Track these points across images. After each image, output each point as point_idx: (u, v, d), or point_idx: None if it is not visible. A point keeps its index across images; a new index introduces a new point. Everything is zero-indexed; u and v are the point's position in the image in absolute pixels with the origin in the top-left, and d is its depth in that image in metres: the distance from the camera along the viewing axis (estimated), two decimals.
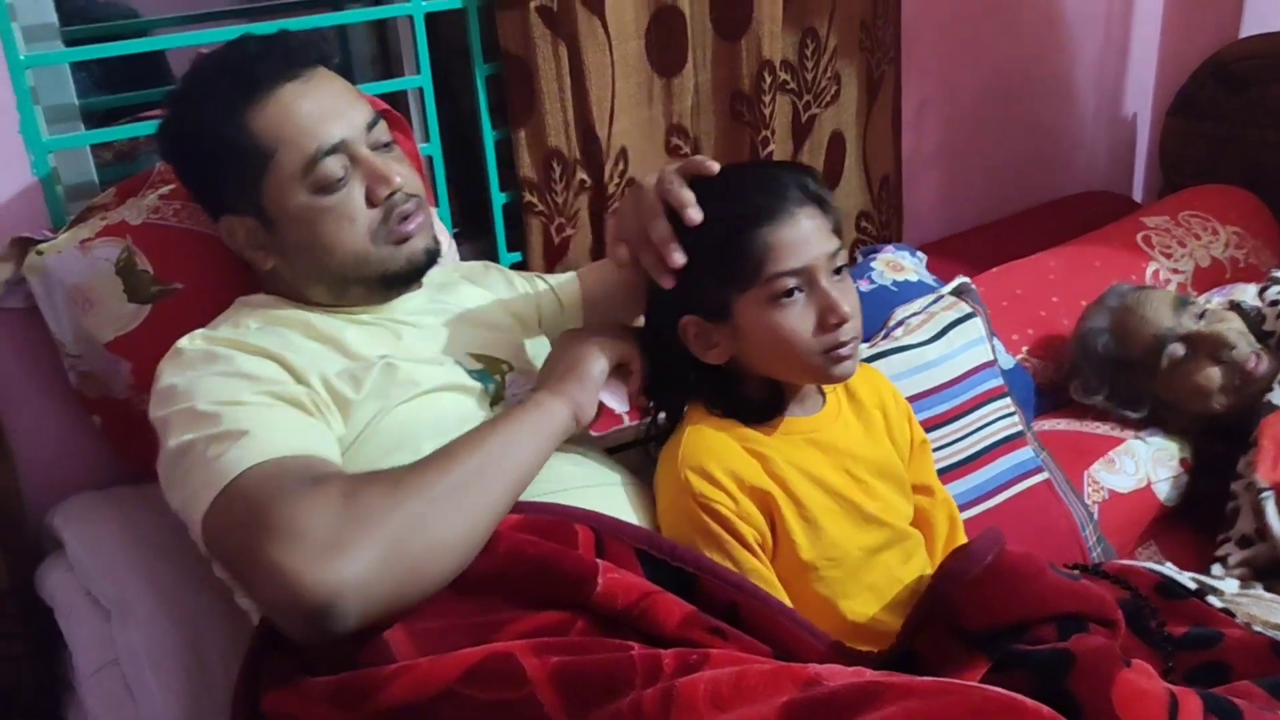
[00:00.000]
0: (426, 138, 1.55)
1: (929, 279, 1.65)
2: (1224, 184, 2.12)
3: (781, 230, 1.00)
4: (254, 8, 1.89)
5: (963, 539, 1.16)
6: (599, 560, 0.93)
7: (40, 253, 1.21)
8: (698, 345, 1.05)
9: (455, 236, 1.68)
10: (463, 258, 1.56)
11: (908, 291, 1.56)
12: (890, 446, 1.15)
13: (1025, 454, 1.39)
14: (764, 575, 1.02)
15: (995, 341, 1.53)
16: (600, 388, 1.06)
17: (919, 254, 1.73)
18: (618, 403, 1.08)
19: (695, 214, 1.00)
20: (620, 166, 1.65)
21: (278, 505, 0.85)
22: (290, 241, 1.08)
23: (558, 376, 1.05)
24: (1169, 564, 1.24)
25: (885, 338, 1.44)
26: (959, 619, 0.92)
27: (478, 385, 1.11)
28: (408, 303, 1.15)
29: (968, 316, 1.46)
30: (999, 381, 1.43)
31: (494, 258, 1.66)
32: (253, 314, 1.09)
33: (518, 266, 1.64)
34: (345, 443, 1.01)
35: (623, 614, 0.90)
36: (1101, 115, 2.47)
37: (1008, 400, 1.43)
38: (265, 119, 1.04)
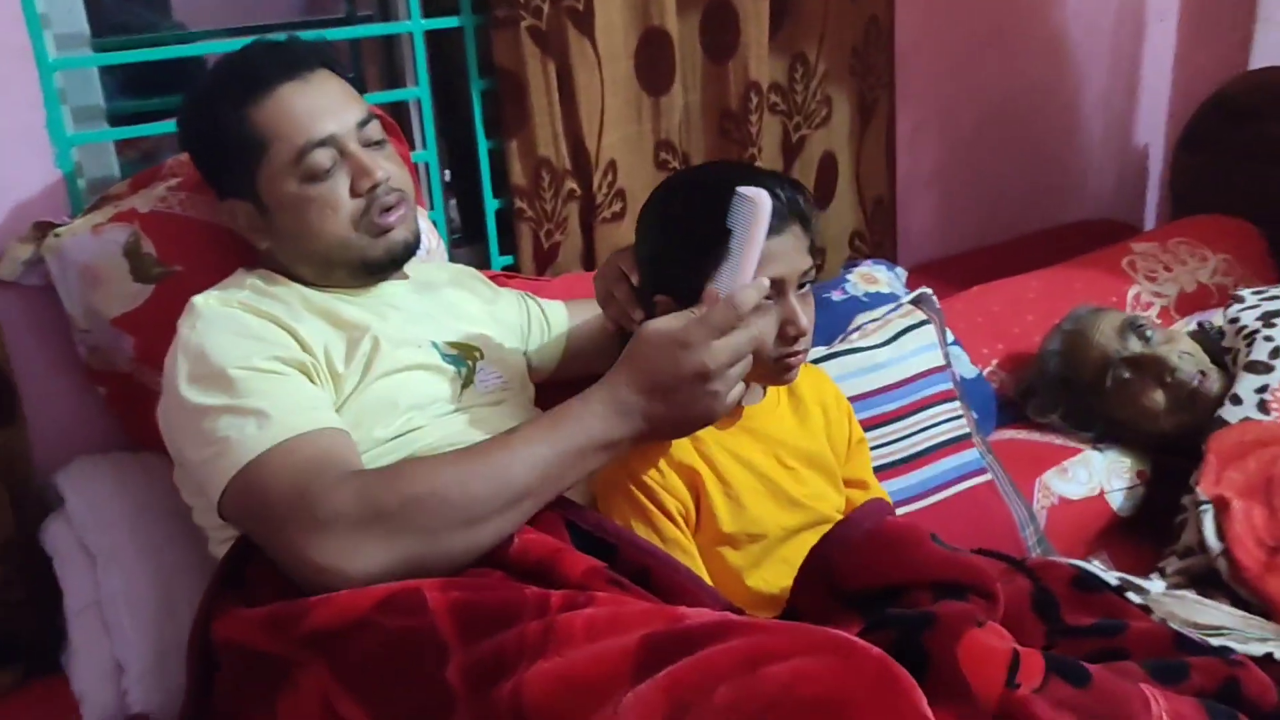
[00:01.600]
0: (425, 145, 1.66)
1: (901, 292, 1.71)
2: (1231, 215, 2.13)
3: (766, 242, 1.02)
4: (273, 24, 2.03)
5: None
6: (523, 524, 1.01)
7: (58, 235, 1.33)
8: None
9: (453, 240, 1.78)
10: (459, 260, 1.66)
11: (877, 302, 1.62)
12: (825, 440, 1.22)
13: (970, 455, 1.44)
14: (682, 544, 1.09)
15: (955, 349, 1.57)
16: None
17: (898, 269, 1.79)
18: None
19: (634, 279, 1.14)
20: (609, 178, 1.74)
21: (303, 496, 0.96)
22: (281, 225, 1.18)
23: (656, 392, 1.01)
24: (1095, 561, 1.28)
25: (843, 340, 1.50)
26: (836, 579, 0.98)
27: (450, 368, 1.20)
28: (390, 289, 1.24)
29: (922, 323, 1.51)
30: (948, 386, 1.48)
31: (488, 261, 1.76)
32: (253, 283, 1.18)
33: (509, 269, 1.74)
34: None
35: (535, 567, 0.98)
36: (1110, 145, 2.49)
37: (956, 404, 1.47)
38: (263, 114, 1.14)
